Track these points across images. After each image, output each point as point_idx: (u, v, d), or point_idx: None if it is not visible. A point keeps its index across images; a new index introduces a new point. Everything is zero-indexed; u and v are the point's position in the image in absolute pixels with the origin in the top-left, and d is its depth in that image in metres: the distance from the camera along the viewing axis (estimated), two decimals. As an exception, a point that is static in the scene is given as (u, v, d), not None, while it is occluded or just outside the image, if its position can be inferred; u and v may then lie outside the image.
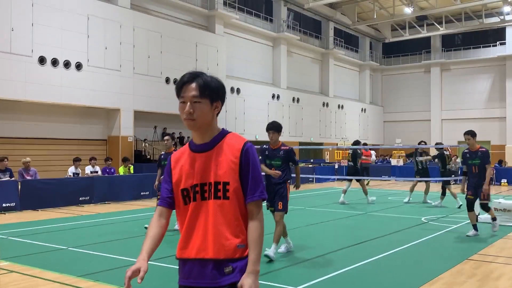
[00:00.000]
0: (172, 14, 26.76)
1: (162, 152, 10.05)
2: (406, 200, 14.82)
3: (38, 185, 12.97)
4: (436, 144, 15.43)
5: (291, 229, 9.67)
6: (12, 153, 16.67)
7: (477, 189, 8.92)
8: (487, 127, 41.68)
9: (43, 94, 19.53)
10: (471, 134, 9.03)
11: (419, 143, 14.78)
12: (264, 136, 30.55)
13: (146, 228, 9.70)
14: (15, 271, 6.21)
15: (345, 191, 14.87)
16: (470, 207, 9.01)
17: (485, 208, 9.17)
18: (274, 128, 7.26)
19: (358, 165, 15.12)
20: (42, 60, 19.71)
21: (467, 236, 9.03)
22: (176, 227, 11.65)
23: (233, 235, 2.25)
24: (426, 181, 14.51)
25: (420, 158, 14.28)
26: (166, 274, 6.14)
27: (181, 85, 2.33)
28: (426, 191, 14.55)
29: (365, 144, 23.09)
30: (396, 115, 46.82)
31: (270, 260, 6.74)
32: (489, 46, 42.23)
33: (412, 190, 14.83)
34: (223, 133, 2.38)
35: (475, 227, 9.10)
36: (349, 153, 15.90)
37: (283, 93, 34.83)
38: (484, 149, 9.06)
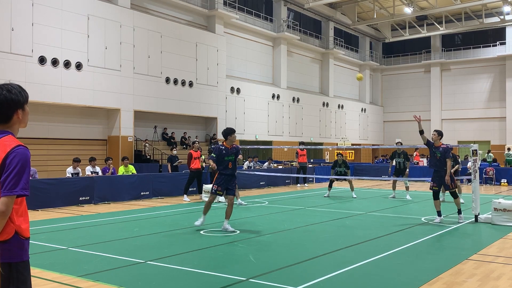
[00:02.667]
0: (172, 14, 26.77)
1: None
2: (391, 196, 16.27)
3: (38, 185, 12.97)
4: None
5: (291, 229, 9.70)
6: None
7: (441, 180, 10.39)
8: (487, 127, 41.71)
9: (43, 94, 19.54)
10: (437, 132, 10.76)
11: (397, 143, 17.17)
12: (264, 136, 30.42)
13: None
14: None
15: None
16: (435, 197, 10.50)
17: (454, 195, 10.56)
18: (234, 131, 9.44)
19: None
20: (42, 60, 19.71)
21: (434, 222, 10.42)
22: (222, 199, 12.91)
23: None
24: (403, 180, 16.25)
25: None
26: (166, 274, 6.15)
27: None
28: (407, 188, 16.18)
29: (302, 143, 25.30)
30: (396, 115, 46.84)
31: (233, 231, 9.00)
32: (489, 46, 42.25)
33: (394, 187, 16.29)
34: None
35: (439, 213, 10.53)
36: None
37: (283, 93, 34.84)
38: (445, 146, 10.57)
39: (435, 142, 10.63)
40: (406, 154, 15.98)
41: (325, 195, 16.61)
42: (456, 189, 10.69)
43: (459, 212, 10.65)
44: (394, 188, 16.24)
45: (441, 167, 10.40)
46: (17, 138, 2.82)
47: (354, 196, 16.21)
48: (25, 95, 2.87)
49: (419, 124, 10.66)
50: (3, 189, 2.62)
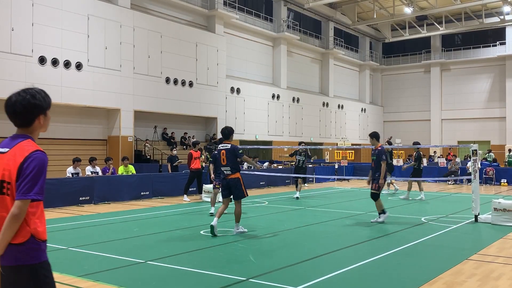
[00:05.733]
0: (172, 14, 26.76)
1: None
2: (395, 191, 16.84)
3: (38, 185, 12.94)
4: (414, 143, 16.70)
5: (291, 229, 9.70)
6: (12, 153, 16.67)
7: (374, 181, 10.46)
8: (487, 127, 41.71)
9: (43, 94, 19.51)
10: (371, 135, 10.77)
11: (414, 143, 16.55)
12: (264, 136, 30.22)
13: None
14: None
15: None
16: (375, 198, 10.53)
17: (374, 197, 10.52)
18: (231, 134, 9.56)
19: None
20: (42, 60, 19.71)
21: (372, 221, 10.48)
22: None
23: None
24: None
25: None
26: (166, 274, 6.15)
27: None
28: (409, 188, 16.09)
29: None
30: (396, 115, 46.84)
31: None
32: (489, 46, 42.25)
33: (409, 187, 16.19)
34: None
35: (383, 211, 10.53)
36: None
37: (283, 93, 34.84)
38: (380, 148, 10.57)
39: (374, 146, 10.65)
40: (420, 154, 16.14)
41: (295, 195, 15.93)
42: (378, 192, 10.45)
43: (379, 214, 10.57)
44: (409, 189, 15.90)
45: (376, 168, 10.42)
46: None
47: (297, 196, 15.65)
48: (48, 101, 2.90)
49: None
50: (19, 192, 2.63)
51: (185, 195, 15.35)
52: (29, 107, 2.80)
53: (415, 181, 16.01)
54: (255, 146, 22.44)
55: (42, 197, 2.70)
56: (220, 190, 10.05)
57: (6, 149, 2.77)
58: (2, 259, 2.69)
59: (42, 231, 2.76)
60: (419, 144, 16.12)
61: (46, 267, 2.77)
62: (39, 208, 2.76)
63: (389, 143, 17.01)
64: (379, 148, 10.56)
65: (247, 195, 9.20)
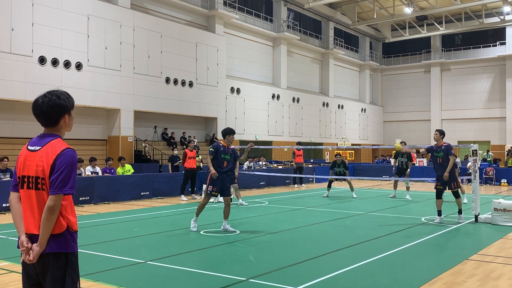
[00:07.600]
0: (172, 14, 26.76)
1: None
2: (391, 196, 16.23)
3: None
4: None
5: (291, 229, 9.70)
6: (12, 153, 16.69)
7: (444, 179, 10.22)
8: (487, 127, 41.72)
9: (43, 94, 19.50)
10: (439, 132, 10.57)
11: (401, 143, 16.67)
12: (264, 136, 30.18)
13: None
14: (15, 271, 6.21)
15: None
16: (438, 196, 10.43)
17: (456, 195, 10.44)
18: (234, 132, 9.36)
19: None
20: (42, 60, 19.71)
21: (434, 222, 10.42)
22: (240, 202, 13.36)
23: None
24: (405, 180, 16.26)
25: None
26: (166, 274, 6.15)
27: None
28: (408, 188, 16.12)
29: (299, 143, 25.30)
30: (396, 115, 46.84)
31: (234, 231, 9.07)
32: (489, 46, 42.25)
33: (395, 187, 16.24)
34: None
35: (439, 213, 10.49)
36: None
37: (283, 93, 34.84)
38: (447, 144, 10.40)
39: (437, 141, 10.49)
40: (409, 154, 15.99)
41: (324, 195, 16.62)
42: (459, 189, 10.63)
43: (460, 212, 10.59)
44: (395, 187, 16.24)
45: (444, 165, 10.26)
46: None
47: (354, 196, 16.20)
48: (72, 101, 3.14)
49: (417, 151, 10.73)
50: (54, 187, 2.86)
51: (182, 195, 15.39)
52: (55, 107, 3.02)
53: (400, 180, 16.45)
54: (255, 146, 22.43)
55: (74, 191, 2.94)
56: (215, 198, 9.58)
57: (38, 147, 2.98)
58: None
59: (75, 222, 3.02)
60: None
61: (77, 257, 3.04)
62: (69, 201, 3.01)
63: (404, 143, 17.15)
64: (445, 144, 10.34)
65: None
